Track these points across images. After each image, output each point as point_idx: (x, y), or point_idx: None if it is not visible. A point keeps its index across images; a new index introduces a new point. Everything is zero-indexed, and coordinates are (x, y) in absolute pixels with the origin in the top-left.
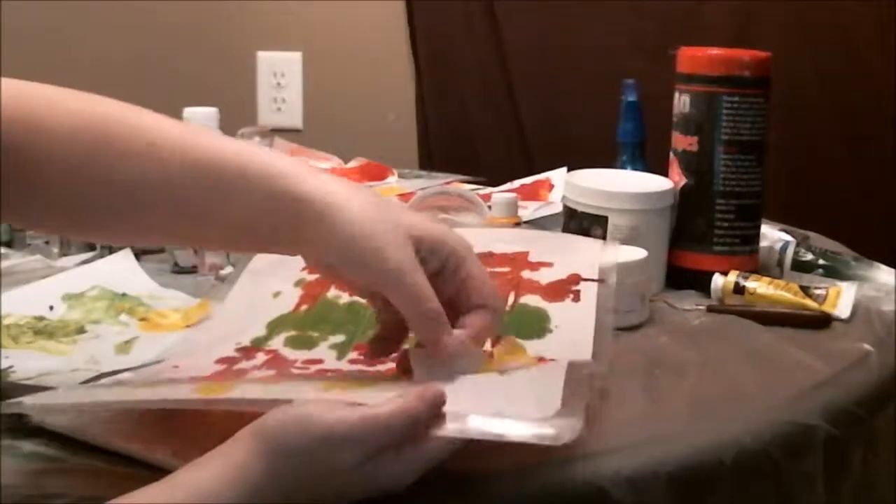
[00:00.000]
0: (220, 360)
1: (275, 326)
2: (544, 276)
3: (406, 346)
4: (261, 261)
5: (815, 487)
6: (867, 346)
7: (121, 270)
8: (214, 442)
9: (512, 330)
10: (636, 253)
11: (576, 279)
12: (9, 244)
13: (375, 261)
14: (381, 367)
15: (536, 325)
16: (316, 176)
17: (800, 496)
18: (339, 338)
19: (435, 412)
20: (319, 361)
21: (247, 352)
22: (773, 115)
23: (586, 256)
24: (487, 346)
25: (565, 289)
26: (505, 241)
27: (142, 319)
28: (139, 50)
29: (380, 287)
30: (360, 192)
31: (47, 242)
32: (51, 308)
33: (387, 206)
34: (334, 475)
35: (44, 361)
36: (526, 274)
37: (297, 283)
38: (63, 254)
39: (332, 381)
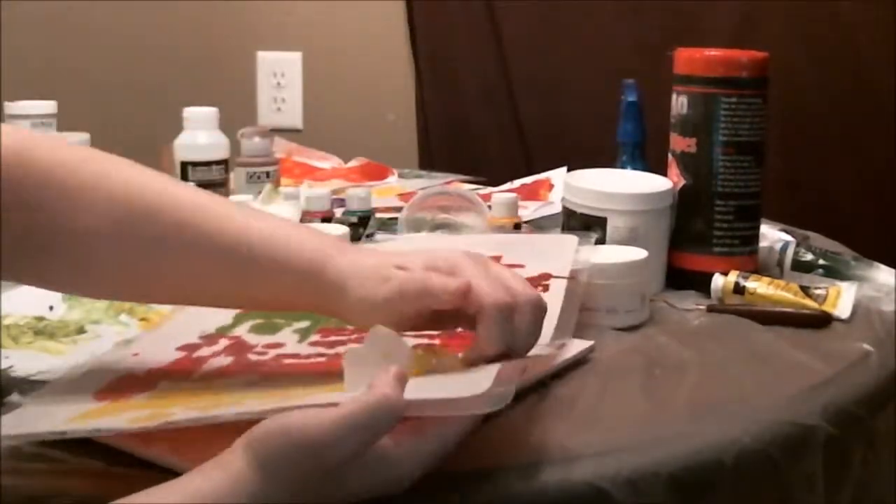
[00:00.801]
0: (182, 348)
1: (242, 315)
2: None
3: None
4: None
5: (815, 487)
6: (867, 346)
7: None
8: (209, 437)
9: None
10: (636, 253)
11: (546, 276)
12: None
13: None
14: (339, 350)
15: None
16: (336, 254)
17: (800, 496)
18: (304, 323)
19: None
20: (280, 345)
21: (210, 339)
22: (772, 115)
23: (560, 258)
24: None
25: (535, 284)
26: (482, 246)
27: (142, 319)
28: (139, 50)
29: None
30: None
31: None
32: (51, 308)
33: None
34: (328, 477)
35: (44, 361)
36: None
37: None
38: None
39: (282, 387)
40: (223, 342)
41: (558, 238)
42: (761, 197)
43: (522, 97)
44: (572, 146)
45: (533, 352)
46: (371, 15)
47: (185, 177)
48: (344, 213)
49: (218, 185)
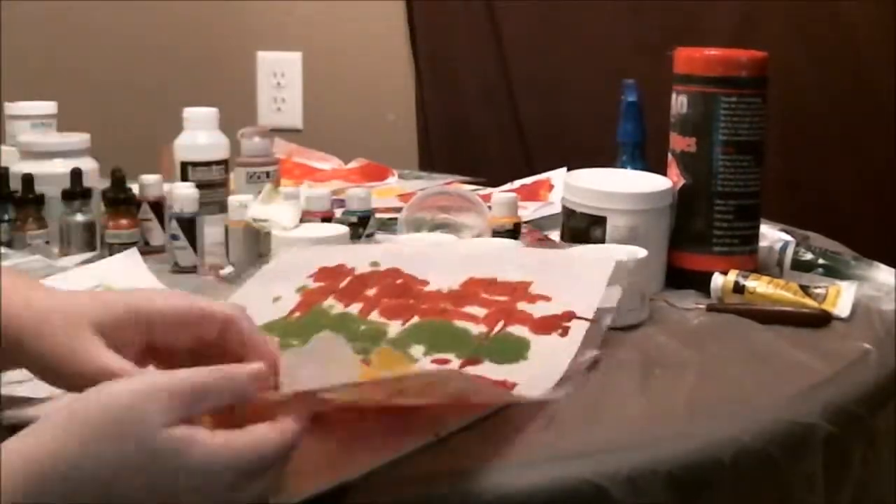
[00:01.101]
0: None
1: (264, 331)
2: (539, 310)
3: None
4: (277, 263)
5: (815, 487)
6: (867, 346)
7: (127, 269)
8: None
9: (487, 354)
10: (636, 252)
11: (569, 316)
12: (9, 244)
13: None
14: None
15: (514, 352)
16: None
17: (799, 495)
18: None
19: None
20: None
21: None
22: (772, 115)
23: (588, 293)
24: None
25: (556, 324)
26: (514, 266)
27: None
28: (139, 50)
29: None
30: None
31: (48, 242)
32: None
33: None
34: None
35: None
36: (521, 305)
37: (299, 290)
38: (63, 254)
39: None
40: None
41: (597, 258)
42: (761, 197)
43: (522, 97)
44: (572, 146)
45: (530, 393)
46: (371, 15)
47: (185, 177)
48: (344, 214)
49: (218, 186)
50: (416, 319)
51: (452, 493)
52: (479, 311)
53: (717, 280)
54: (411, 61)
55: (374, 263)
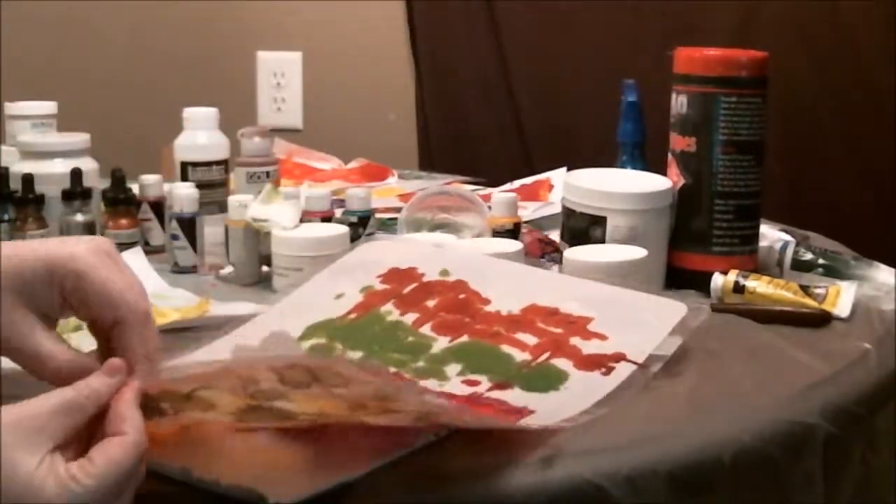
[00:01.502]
0: None
1: (313, 331)
2: (590, 347)
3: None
4: (353, 255)
5: (815, 486)
6: (867, 346)
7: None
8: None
9: (519, 380)
10: (636, 252)
11: (618, 357)
12: None
13: None
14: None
15: (547, 382)
16: None
17: (799, 495)
18: (356, 354)
19: None
20: None
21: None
22: (772, 114)
23: (646, 338)
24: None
25: (602, 362)
26: (581, 299)
27: None
28: (139, 50)
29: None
30: None
31: None
32: None
33: None
34: None
35: None
36: (574, 340)
37: (363, 290)
38: None
39: None
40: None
41: (668, 304)
42: (761, 196)
43: (522, 97)
44: (572, 146)
45: (543, 422)
46: (371, 15)
47: (185, 177)
48: (343, 214)
49: (218, 186)
50: (464, 338)
51: (452, 493)
52: (530, 340)
53: (717, 280)
54: (411, 61)
55: (444, 272)
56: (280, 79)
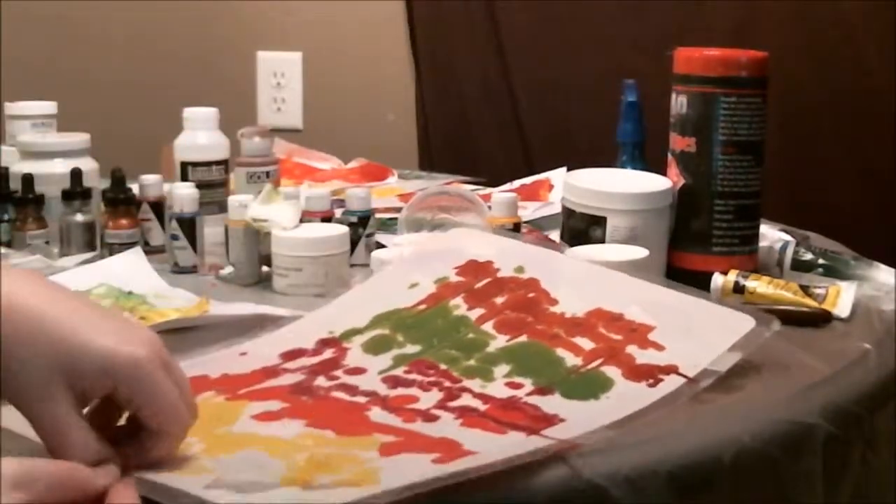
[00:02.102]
0: (284, 354)
1: (378, 321)
2: (645, 357)
3: None
4: (439, 241)
5: (815, 486)
6: (867, 346)
7: (131, 268)
8: None
9: (562, 386)
10: (636, 252)
11: (669, 370)
12: (9, 244)
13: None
14: (399, 392)
15: (591, 390)
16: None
17: (799, 495)
18: (415, 348)
19: None
20: (362, 371)
21: (325, 343)
22: (772, 114)
23: (703, 353)
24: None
25: (651, 373)
26: (648, 304)
27: (141, 318)
28: (139, 50)
29: None
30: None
31: (47, 242)
32: None
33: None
34: None
35: None
36: (630, 349)
37: (438, 280)
38: (63, 254)
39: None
40: (328, 352)
41: (733, 316)
42: (761, 196)
43: (522, 97)
44: (572, 146)
45: (562, 435)
46: (371, 15)
47: (185, 177)
48: (343, 214)
49: (218, 186)
50: (523, 338)
51: (452, 493)
52: (587, 345)
53: (717, 280)
54: (411, 61)
55: (519, 269)
56: (280, 79)
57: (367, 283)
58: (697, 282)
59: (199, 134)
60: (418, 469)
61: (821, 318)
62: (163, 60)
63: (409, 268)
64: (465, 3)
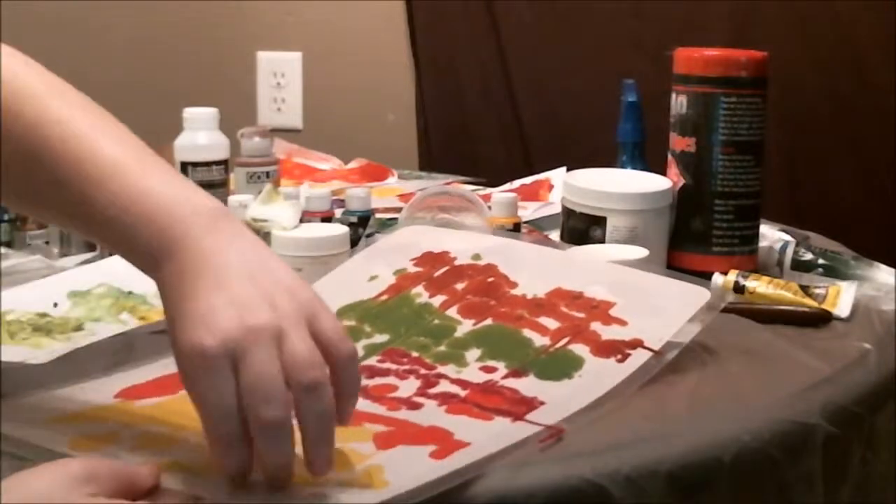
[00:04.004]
0: None
1: (344, 312)
2: (609, 333)
3: None
4: (391, 238)
5: (815, 486)
6: (867, 346)
7: (131, 268)
8: None
9: (535, 367)
10: (636, 252)
11: (635, 344)
12: (9, 244)
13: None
14: (370, 383)
15: (562, 369)
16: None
17: (799, 495)
18: (383, 337)
19: None
20: None
21: None
22: (772, 114)
23: (665, 325)
24: None
25: (618, 349)
26: (606, 283)
27: (141, 318)
28: (139, 50)
29: None
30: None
31: (47, 242)
32: (55, 305)
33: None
34: None
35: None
36: (595, 325)
37: (397, 272)
38: (63, 254)
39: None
40: None
41: (690, 289)
42: (761, 197)
43: (522, 97)
44: (572, 146)
45: (551, 414)
46: (371, 15)
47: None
48: (344, 214)
49: (218, 186)
50: (488, 322)
51: (452, 492)
52: (552, 324)
53: (717, 280)
54: (411, 61)
55: (476, 256)
56: (280, 79)
57: (327, 278)
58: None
59: (199, 134)
60: (419, 466)
61: (821, 318)
62: (163, 60)
63: (366, 262)
64: (465, 3)
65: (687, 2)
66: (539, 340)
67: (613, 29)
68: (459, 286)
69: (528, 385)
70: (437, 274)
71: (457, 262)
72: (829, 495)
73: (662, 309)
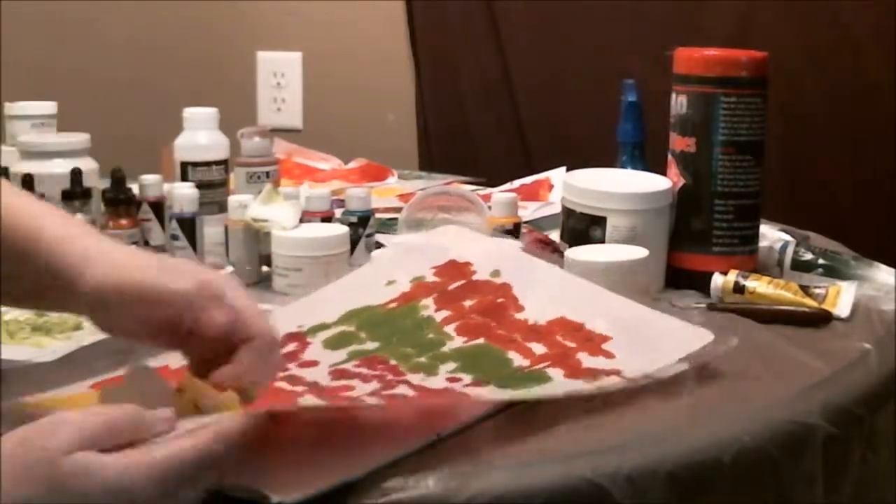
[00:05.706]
0: None
1: (348, 317)
2: (592, 363)
3: None
4: (422, 239)
5: (815, 486)
6: (867, 346)
7: None
8: None
9: (498, 381)
10: (636, 252)
11: (612, 373)
12: None
13: None
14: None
15: (525, 384)
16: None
17: (799, 495)
18: (374, 345)
19: None
20: (314, 364)
21: (288, 338)
22: (772, 114)
23: (654, 360)
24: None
25: (594, 375)
26: (609, 318)
27: None
28: (139, 50)
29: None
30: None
31: None
32: None
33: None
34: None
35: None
36: (581, 355)
37: (414, 280)
38: None
39: None
40: (289, 347)
41: (693, 331)
42: (761, 197)
43: (522, 97)
44: (572, 146)
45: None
46: (371, 15)
47: (185, 177)
48: (344, 214)
49: (218, 186)
50: (480, 341)
51: (452, 492)
52: (540, 350)
53: (718, 280)
54: (411, 61)
55: (495, 273)
56: (280, 79)
57: (347, 278)
58: (697, 282)
59: (199, 134)
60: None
61: (821, 318)
62: (163, 60)
63: (390, 264)
64: (465, 3)
65: (687, 2)
66: (519, 361)
67: (613, 29)
68: (468, 303)
69: (479, 391)
70: (451, 287)
71: (475, 277)
72: (829, 495)
73: (656, 348)
